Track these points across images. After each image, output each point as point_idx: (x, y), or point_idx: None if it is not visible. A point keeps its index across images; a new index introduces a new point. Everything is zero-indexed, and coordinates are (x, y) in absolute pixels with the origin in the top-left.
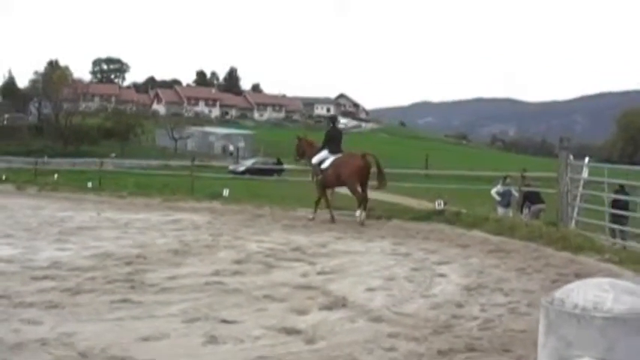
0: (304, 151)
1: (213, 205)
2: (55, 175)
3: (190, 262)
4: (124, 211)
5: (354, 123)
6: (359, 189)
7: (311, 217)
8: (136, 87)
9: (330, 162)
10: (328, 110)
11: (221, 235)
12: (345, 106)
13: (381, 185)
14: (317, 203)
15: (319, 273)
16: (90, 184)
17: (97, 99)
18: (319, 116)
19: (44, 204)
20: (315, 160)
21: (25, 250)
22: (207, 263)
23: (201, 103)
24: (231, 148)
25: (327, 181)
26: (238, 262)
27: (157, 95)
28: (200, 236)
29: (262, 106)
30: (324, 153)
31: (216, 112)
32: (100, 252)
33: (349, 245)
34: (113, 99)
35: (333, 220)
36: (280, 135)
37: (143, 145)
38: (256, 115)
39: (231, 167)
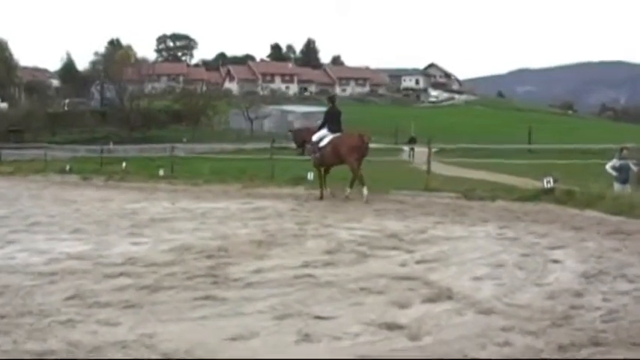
0: (304, 139)
1: (297, 191)
2: (123, 164)
3: (276, 253)
4: (201, 199)
5: (445, 95)
6: (357, 167)
7: (328, 193)
8: (206, 64)
9: (329, 140)
10: (417, 82)
11: (308, 223)
12: (435, 76)
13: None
14: (320, 184)
15: (419, 262)
16: (161, 172)
17: (163, 79)
18: (407, 89)
19: (113, 195)
20: (314, 137)
21: (97, 246)
22: (295, 254)
23: (278, 80)
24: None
25: (325, 158)
26: (329, 252)
27: (228, 73)
28: (285, 225)
29: (344, 80)
30: (323, 131)
31: (294, 88)
32: (177, 245)
33: (450, 230)
34: (181, 79)
35: (322, 197)
36: (365, 111)
37: (215, 128)
38: (338, 90)
39: None
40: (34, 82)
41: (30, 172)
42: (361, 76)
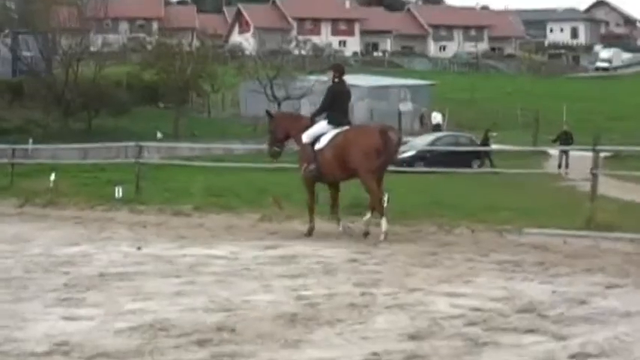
0: (286, 132)
1: (358, 226)
2: (52, 176)
3: (321, 338)
4: (188, 241)
5: (626, 56)
6: (374, 184)
7: (305, 232)
8: (198, 3)
9: (330, 139)
10: (574, 34)
11: (378, 285)
12: (607, 23)
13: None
14: (310, 213)
15: (576, 356)
16: (119, 192)
17: (123, 27)
18: (556, 46)
19: (33, 232)
20: (307, 135)
21: (3, 323)
22: (355, 341)
23: (325, 29)
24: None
25: (325, 170)
26: (415, 336)
27: (238, 17)
28: (337, 287)
29: (444, 30)
30: (321, 125)
31: (354, 44)
32: (144, 322)
33: (632, 301)
34: (155, 26)
35: (310, 233)
36: (480, 84)
37: (215, 115)
38: (432, 47)
39: None
40: None
41: None
42: (474, 23)
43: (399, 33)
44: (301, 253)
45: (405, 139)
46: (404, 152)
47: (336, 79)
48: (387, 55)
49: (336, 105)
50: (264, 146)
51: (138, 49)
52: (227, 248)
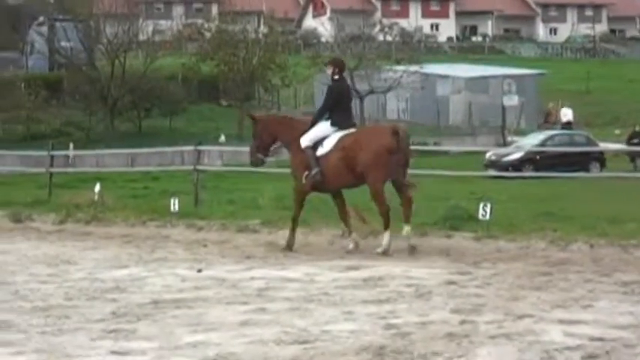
0: (274, 138)
1: (457, 243)
2: (97, 187)
3: None
4: (257, 262)
5: None
6: (382, 189)
7: (352, 247)
8: None
9: (337, 142)
10: None
11: (480, 312)
12: None
13: (406, 188)
14: (345, 220)
15: None
16: (174, 205)
17: (178, 12)
18: None
19: (75, 253)
20: (305, 141)
21: (42, 358)
22: None
23: (414, 10)
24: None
25: (329, 176)
26: None
27: None
28: (432, 314)
29: (555, 10)
30: (322, 128)
31: (448, 27)
32: (207, 357)
33: None
34: (215, 10)
35: (290, 247)
36: (602, 74)
37: (286, 111)
38: (541, 30)
39: (491, 155)
40: None
41: None
42: (590, 0)
43: (501, 14)
44: (388, 275)
45: (511, 138)
46: (509, 154)
47: (336, 76)
48: (487, 39)
49: (339, 105)
50: (248, 152)
51: (195, 37)
52: (302, 269)
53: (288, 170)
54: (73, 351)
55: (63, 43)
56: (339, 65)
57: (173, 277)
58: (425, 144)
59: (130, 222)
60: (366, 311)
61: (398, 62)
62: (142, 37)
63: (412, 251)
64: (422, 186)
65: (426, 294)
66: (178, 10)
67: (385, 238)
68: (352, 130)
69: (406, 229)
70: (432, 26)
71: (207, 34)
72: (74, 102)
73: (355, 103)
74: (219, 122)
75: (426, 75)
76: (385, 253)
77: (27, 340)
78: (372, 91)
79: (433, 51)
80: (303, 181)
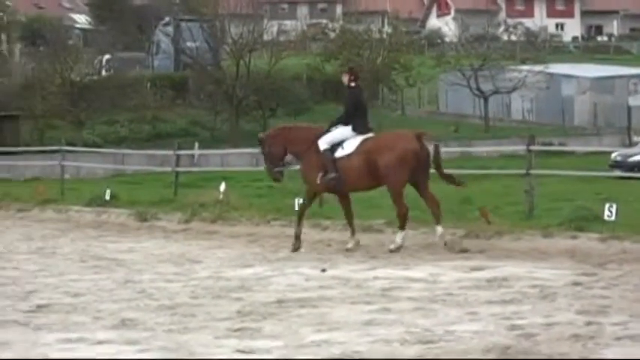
0: (284, 148)
1: (579, 243)
2: (222, 186)
3: None
4: (380, 261)
5: None
6: (402, 193)
7: (350, 246)
8: None
9: (358, 145)
10: None
11: (606, 312)
12: None
13: (456, 182)
14: (300, 218)
15: None
16: (299, 204)
17: (302, 12)
18: None
19: (200, 252)
20: (324, 144)
21: (169, 356)
22: None
23: (538, 9)
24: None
25: (349, 179)
26: None
27: None
28: (557, 315)
29: None
30: (342, 132)
31: (573, 27)
32: (331, 355)
33: None
34: (339, 10)
35: (297, 247)
36: None
37: (410, 114)
38: None
39: (616, 155)
40: (40, 20)
41: (30, 203)
42: None
43: (627, 13)
44: (513, 275)
45: (637, 139)
46: (635, 155)
47: (352, 84)
48: (613, 39)
49: (357, 111)
50: (264, 169)
51: (319, 37)
52: (426, 270)
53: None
54: (198, 349)
55: (188, 43)
56: (354, 73)
57: (297, 277)
58: (550, 144)
59: (255, 221)
60: (490, 312)
61: (522, 62)
62: (266, 38)
63: (452, 248)
64: (546, 186)
65: (551, 295)
66: (303, 10)
67: (399, 236)
68: (371, 134)
69: (439, 229)
70: (556, 26)
71: (332, 34)
72: (199, 102)
73: (479, 103)
74: None
75: (551, 75)
76: (397, 250)
77: (153, 338)
78: (496, 91)
79: (558, 51)
80: (317, 181)
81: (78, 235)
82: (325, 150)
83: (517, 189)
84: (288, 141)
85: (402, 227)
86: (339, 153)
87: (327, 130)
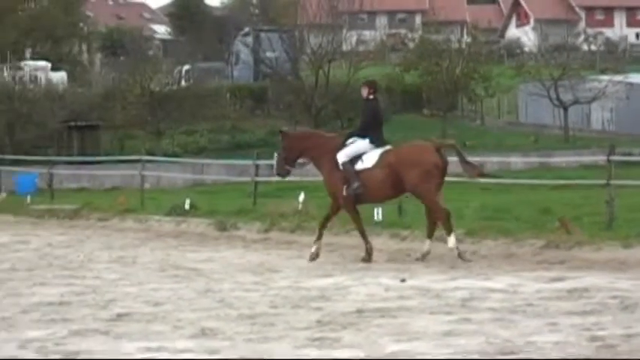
0: (300, 152)
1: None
2: (301, 197)
3: None
4: (460, 272)
5: None
6: (437, 201)
7: (313, 251)
8: None
9: (379, 159)
10: None
11: None
12: None
13: (476, 172)
14: (323, 226)
15: None
16: (378, 214)
17: (381, 22)
18: None
19: (279, 261)
20: (343, 156)
21: None
22: None
23: (618, 19)
24: None
25: (371, 190)
26: None
27: (516, 8)
28: (638, 327)
29: None
30: (361, 144)
31: None
32: None
33: None
34: (418, 20)
35: (369, 256)
36: None
37: (489, 124)
38: None
39: None
40: (120, 31)
41: (110, 213)
42: None
43: None
44: (594, 286)
45: None
46: None
47: (371, 96)
48: None
49: (376, 123)
50: (274, 163)
51: (398, 47)
52: (505, 280)
53: (493, 180)
54: (277, 358)
55: (268, 54)
56: (373, 86)
57: (377, 287)
58: (630, 154)
59: (334, 231)
60: (570, 323)
61: (602, 72)
62: (345, 48)
63: (464, 258)
64: (625, 197)
65: (632, 306)
66: (382, 20)
67: (451, 241)
68: (389, 147)
69: (451, 240)
70: (637, 35)
71: (411, 45)
72: (278, 112)
73: (559, 113)
74: (423, 132)
75: (631, 85)
76: (461, 256)
77: (232, 347)
78: (576, 102)
79: (638, 60)
80: (344, 193)
81: (157, 244)
82: (345, 162)
83: (596, 199)
84: (307, 147)
85: (448, 232)
86: (360, 166)
87: (344, 142)
